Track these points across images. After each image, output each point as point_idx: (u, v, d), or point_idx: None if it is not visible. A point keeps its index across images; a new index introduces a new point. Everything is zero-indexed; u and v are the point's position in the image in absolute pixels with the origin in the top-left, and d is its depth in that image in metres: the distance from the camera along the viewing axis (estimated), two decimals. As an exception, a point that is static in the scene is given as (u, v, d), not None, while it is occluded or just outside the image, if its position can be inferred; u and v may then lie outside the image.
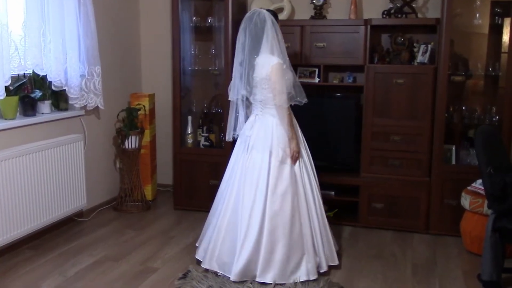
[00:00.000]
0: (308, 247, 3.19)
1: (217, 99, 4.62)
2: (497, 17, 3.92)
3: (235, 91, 3.34)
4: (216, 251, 3.25)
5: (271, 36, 3.21)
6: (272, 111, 3.26)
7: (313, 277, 3.16)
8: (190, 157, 4.53)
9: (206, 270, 3.28)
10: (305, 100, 3.31)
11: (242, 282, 3.12)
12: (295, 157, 3.24)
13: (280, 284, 3.11)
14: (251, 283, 3.10)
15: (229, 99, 3.42)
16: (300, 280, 3.12)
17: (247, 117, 3.39)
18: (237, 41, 3.30)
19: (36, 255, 3.56)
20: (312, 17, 4.38)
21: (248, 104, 3.39)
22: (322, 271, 3.26)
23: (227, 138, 3.49)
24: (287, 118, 3.21)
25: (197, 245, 3.55)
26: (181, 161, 4.55)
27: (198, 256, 3.43)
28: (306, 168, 3.33)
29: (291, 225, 3.16)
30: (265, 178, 3.20)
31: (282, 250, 3.14)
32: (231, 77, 3.41)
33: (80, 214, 4.25)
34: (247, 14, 3.31)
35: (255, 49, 3.24)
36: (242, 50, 3.27)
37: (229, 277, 3.15)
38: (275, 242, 3.14)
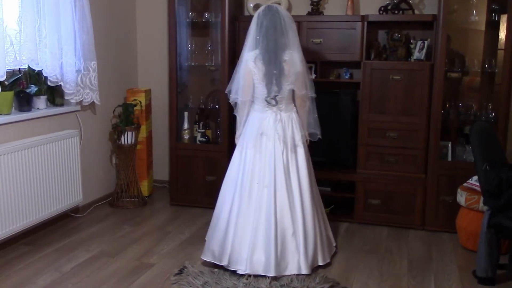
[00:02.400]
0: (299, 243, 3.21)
1: (214, 95, 4.61)
2: (493, 14, 3.92)
3: (262, 91, 3.28)
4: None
5: (295, 32, 3.33)
6: (292, 106, 3.36)
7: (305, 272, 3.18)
8: (186, 153, 4.52)
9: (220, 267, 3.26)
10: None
11: (238, 277, 3.12)
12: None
13: (276, 280, 3.11)
14: (246, 279, 3.10)
15: (240, 100, 3.33)
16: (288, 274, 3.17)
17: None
18: (257, 38, 3.24)
19: (31, 250, 3.56)
20: (309, 13, 4.37)
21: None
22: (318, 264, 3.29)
23: (237, 140, 3.46)
24: None
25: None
26: (177, 157, 4.54)
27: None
28: (297, 164, 3.35)
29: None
30: (306, 175, 3.34)
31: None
32: (230, 74, 3.41)
33: (76, 209, 4.24)
34: (269, 11, 3.25)
35: (283, 46, 3.24)
36: (270, 47, 3.21)
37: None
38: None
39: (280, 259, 3.15)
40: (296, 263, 3.18)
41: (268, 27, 3.22)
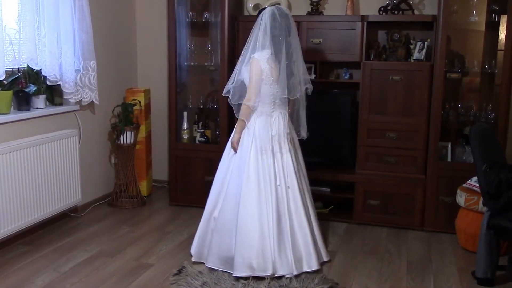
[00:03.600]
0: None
1: (213, 95, 4.61)
2: (493, 14, 3.92)
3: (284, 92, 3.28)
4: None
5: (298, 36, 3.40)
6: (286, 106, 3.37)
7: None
8: (185, 153, 4.52)
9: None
10: None
11: (237, 278, 3.12)
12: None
13: (275, 280, 3.11)
14: (245, 280, 3.10)
15: (252, 103, 3.23)
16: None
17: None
18: (272, 38, 3.22)
19: (30, 250, 3.55)
20: (308, 13, 4.37)
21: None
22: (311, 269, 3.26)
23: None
24: None
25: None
26: (176, 157, 4.54)
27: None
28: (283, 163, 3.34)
29: None
30: (305, 172, 3.47)
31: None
32: (230, 74, 3.40)
33: (74, 209, 4.24)
34: (281, 12, 3.25)
35: (294, 48, 3.29)
36: (287, 48, 3.24)
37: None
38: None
39: (299, 257, 3.21)
40: (310, 260, 3.23)
41: (284, 29, 3.23)
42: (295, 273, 3.15)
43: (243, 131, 3.28)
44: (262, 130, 3.25)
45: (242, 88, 3.30)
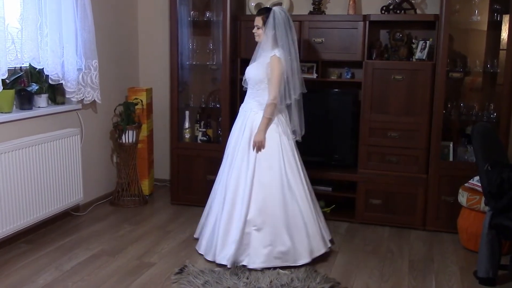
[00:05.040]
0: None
1: (215, 94, 4.61)
2: (496, 14, 3.92)
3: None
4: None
5: None
6: None
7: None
8: (187, 152, 4.52)
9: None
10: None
11: (237, 275, 3.13)
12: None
13: (277, 279, 3.11)
14: (247, 278, 3.10)
15: (277, 102, 3.40)
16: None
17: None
18: (286, 37, 3.37)
19: (32, 249, 3.56)
20: (310, 12, 4.37)
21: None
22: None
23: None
24: None
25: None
26: (178, 156, 4.54)
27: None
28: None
29: None
30: None
31: None
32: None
33: (76, 208, 4.24)
34: (285, 13, 3.41)
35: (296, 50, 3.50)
36: (295, 48, 3.45)
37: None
38: None
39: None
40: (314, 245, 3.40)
41: (291, 29, 3.41)
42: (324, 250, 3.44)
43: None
44: (285, 124, 3.45)
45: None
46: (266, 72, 3.36)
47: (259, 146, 3.36)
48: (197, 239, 3.64)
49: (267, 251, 3.26)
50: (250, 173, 3.33)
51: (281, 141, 3.39)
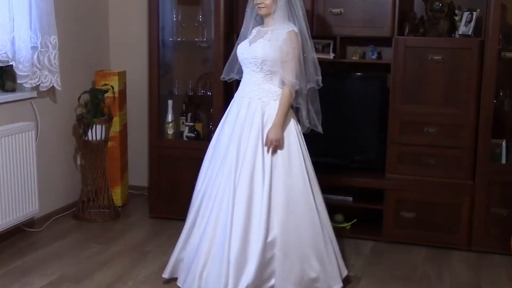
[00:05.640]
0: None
1: (205, 78, 4.61)
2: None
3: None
4: None
5: None
6: None
7: None
8: (170, 151, 4.52)
9: None
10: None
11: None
12: None
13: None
14: None
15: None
16: None
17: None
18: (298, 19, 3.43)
19: (-26, 274, 3.55)
20: (326, -24, 4.36)
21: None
22: None
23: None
24: None
25: None
26: (159, 157, 4.54)
27: None
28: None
29: None
30: None
31: None
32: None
33: (30, 223, 4.24)
34: None
35: None
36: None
37: None
38: None
39: None
40: None
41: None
42: None
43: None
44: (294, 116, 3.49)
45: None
46: (282, 51, 3.31)
47: (276, 145, 3.29)
48: (167, 281, 3.49)
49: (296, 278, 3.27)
50: (267, 182, 3.24)
51: (298, 137, 3.39)
